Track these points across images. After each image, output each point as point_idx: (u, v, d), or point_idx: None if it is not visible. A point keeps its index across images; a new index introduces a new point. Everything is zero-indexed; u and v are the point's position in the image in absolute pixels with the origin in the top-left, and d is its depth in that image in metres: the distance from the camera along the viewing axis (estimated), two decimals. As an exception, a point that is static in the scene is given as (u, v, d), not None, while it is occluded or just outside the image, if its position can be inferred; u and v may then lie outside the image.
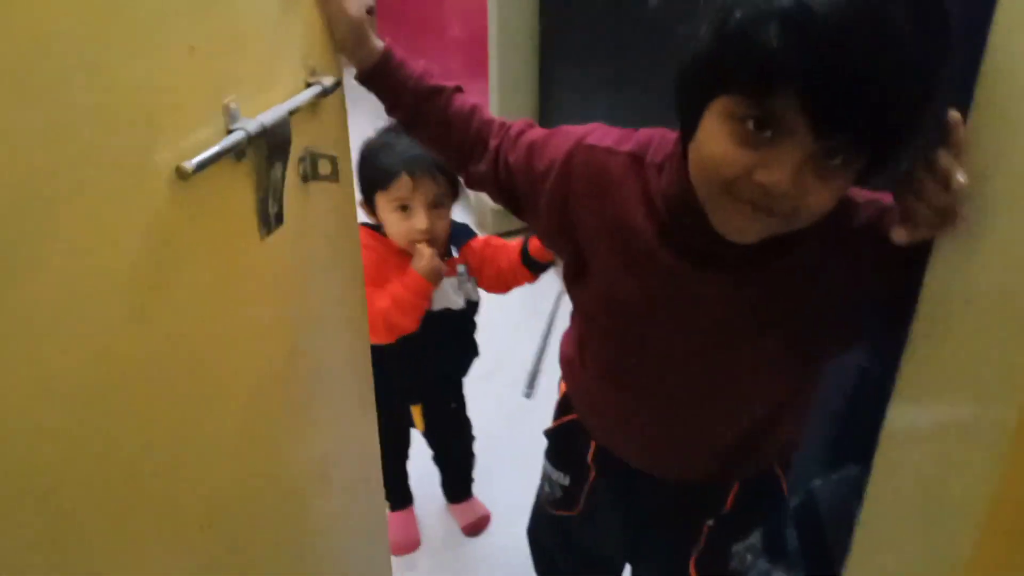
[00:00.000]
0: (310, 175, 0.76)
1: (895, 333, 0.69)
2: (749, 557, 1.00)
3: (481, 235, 1.43)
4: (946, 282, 0.64)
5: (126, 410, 0.56)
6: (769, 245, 0.71)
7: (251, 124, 0.63)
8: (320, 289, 0.87)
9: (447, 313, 1.35)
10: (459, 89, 0.89)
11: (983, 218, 0.59)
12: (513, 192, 0.87)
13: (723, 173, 0.65)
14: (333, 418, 0.96)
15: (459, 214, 3.17)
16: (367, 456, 1.08)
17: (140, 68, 0.52)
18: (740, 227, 0.68)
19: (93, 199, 0.50)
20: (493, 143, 0.87)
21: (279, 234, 0.74)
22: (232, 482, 0.73)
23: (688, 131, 0.69)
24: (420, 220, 1.26)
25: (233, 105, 0.63)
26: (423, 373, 1.44)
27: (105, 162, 0.50)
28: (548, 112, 2.48)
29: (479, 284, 1.40)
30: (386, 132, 1.31)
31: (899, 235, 0.64)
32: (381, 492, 1.15)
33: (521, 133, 0.87)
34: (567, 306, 1.30)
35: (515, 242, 1.36)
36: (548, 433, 1.10)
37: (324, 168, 0.77)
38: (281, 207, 0.72)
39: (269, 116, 0.65)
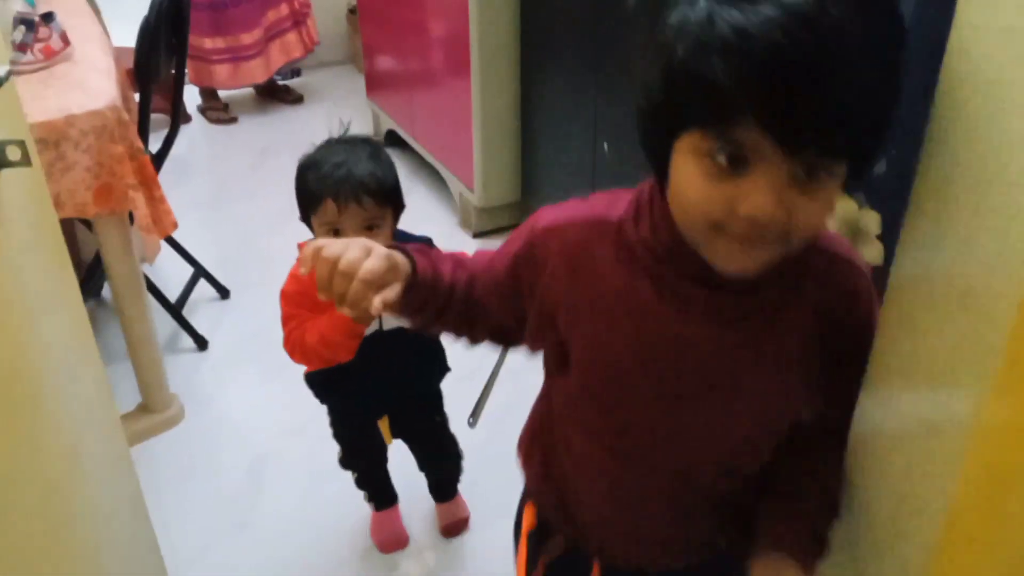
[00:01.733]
0: (3, 163, 0.78)
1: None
2: None
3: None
4: (910, 279, 0.61)
5: None
6: (764, 299, 0.70)
7: (-59, 116, 0.65)
8: (33, 276, 0.88)
9: (400, 330, 1.32)
10: (463, 272, 0.83)
11: (946, 214, 0.56)
12: (518, 320, 0.83)
13: (708, 215, 0.62)
14: (74, 404, 0.98)
15: (444, 213, 2.86)
16: (112, 437, 1.10)
17: None
18: (739, 263, 0.65)
19: None
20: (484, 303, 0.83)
21: (-17, 224, 0.76)
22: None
23: (661, 173, 0.66)
24: None
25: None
26: (384, 389, 1.42)
27: None
28: (529, 111, 2.49)
29: None
30: (320, 148, 1.25)
31: None
32: (132, 470, 1.18)
33: (479, 265, 0.84)
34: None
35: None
36: None
37: (13, 154, 0.79)
38: (-21, 197, 0.75)
39: (-45, 107, 0.68)
